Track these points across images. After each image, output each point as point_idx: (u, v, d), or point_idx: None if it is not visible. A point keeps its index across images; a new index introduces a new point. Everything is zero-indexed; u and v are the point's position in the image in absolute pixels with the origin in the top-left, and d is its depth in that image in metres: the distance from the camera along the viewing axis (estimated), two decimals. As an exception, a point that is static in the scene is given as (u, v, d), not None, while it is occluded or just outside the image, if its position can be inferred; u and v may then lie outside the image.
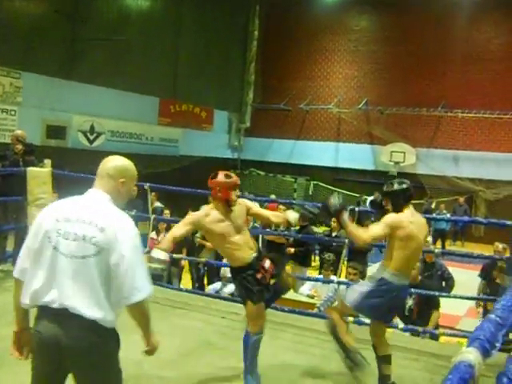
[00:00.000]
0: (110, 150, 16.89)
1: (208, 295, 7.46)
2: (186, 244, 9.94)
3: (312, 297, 8.05)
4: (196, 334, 5.50)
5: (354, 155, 21.58)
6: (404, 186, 4.39)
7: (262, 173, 22.77)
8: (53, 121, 15.62)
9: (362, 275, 7.81)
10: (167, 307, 6.20)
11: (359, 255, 8.63)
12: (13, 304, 2.70)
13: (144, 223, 11.21)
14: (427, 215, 13.99)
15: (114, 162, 2.79)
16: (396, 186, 4.39)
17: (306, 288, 8.48)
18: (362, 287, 4.40)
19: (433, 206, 18.58)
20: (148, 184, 6.90)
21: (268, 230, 9.73)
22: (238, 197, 4.45)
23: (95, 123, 16.88)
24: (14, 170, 7.20)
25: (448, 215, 15.83)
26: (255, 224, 10.26)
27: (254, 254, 4.34)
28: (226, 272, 9.18)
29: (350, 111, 22.14)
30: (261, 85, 23.51)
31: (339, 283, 6.58)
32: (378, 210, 4.88)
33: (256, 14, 23.15)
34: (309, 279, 8.03)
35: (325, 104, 22.65)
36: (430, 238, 14.29)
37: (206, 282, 9.92)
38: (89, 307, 2.50)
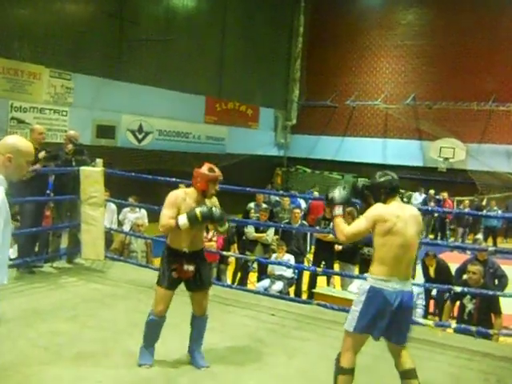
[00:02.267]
0: (158, 148, 17.18)
1: (257, 292, 7.47)
2: (237, 241, 10.00)
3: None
4: (246, 331, 5.53)
5: (401, 151, 21.29)
6: (384, 178, 3.96)
7: (308, 170, 22.70)
8: (102, 120, 15.93)
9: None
10: (217, 304, 6.24)
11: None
12: None
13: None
14: (478, 212, 13.88)
15: (4, 140, 2.96)
16: (377, 179, 3.99)
17: (355, 286, 8.41)
18: (356, 306, 3.90)
19: (484, 202, 18.18)
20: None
21: (318, 228, 9.71)
22: (217, 191, 4.56)
23: (143, 122, 17.13)
24: (66, 170, 7.35)
25: (499, 212, 15.46)
26: (303, 221, 10.25)
27: (186, 250, 4.44)
28: (273, 269, 9.22)
29: (398, 107, 21.87)
30: (306, 81, 23.42)
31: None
32: (361, 201, 4.34)
33: (301, 10, 23.09)
34: (358, 277, 7.95)
35: (371, 100, 22.43)
36: (480, 236, 14.04)
37: (255, 279, 9.95)
38: None
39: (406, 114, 21.80)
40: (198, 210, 4.28)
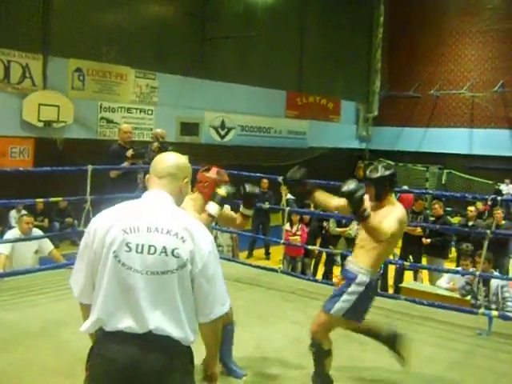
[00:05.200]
0: (240, 144, 17.37)
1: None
2: (320, 235, 9.96)
3: (452, 290, 7.76)
4: (333, 326, 5.49)
5: (489, 141, 20.47)
6: (391, 171, 3.88)
7: (391, 162, 22.17)
8: (186, 118, 16.29)
9: (495, 266, 7.41)
10: (303, 297, 6.27)
11: (499, 246, 8.20)
12: None
13: (276, 215, 11.41)
14: None
15: (176, 160, 2.45)
16: (381, 172, 3.82)
17: (444, 281, 8.21)
18: (350, 295, 3.90)
19: None
20: (282, 177, 6.95)
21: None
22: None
23: (225, 119, 17.38)
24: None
25: None
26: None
27: None
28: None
29: (485, 95, 21.06)
30: (388, 72, 22.93)
31: (481, 276, 6.26)
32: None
33: (381, -1, 22.62)
34: (448, 271, 7.75)
35: (457, 89, 21.71)
36: None
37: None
38: (173, 327, 2.22)
39: (493, 102, 20.95)
40: (222, 191, 3.98)
